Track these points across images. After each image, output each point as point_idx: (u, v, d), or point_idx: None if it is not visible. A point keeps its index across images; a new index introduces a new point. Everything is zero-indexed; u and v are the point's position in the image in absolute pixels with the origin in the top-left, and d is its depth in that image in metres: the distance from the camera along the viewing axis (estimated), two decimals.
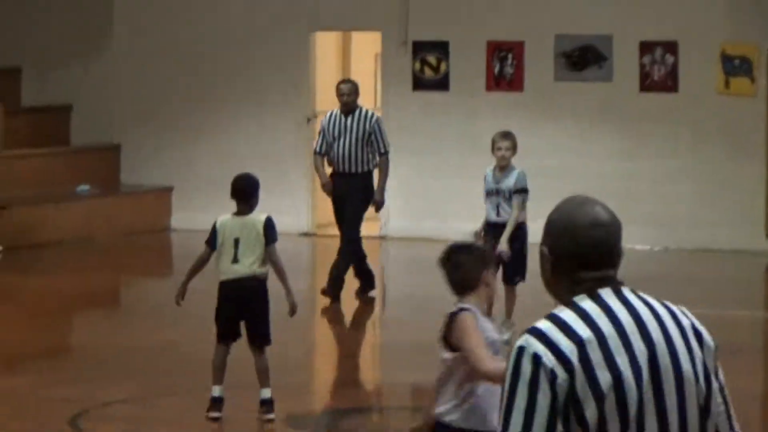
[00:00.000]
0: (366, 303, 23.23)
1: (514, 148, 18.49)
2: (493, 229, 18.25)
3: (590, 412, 4.95)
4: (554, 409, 4.97)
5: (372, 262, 25.03)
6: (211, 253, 16.69)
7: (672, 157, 28.33)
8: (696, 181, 27.81)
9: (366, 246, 23.54)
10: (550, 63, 29.15)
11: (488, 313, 11.44)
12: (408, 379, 19.85)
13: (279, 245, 23.09)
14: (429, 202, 29.35)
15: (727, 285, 24.06)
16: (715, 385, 5.15)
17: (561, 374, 4.94)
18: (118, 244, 28.71)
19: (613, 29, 28.72)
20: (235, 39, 30.62)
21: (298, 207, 30.16)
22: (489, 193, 18.65)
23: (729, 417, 5.27)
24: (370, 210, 24.01)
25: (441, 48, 29.67)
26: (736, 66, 28.12)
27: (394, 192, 29.03)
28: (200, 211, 28.49)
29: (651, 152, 28.48)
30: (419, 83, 30.01)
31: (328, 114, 22.81)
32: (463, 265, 11.28)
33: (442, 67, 29.69)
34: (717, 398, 5.19)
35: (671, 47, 28.50)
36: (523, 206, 18.68)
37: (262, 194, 18.90)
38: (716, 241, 27.40)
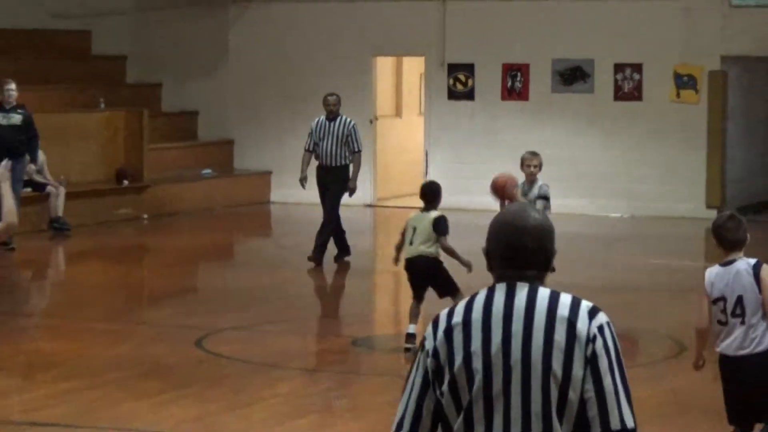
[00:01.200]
0: (344, 266, 22.37)
1: (540, 165, 17.28)
2: None
3: (447, 385, 4.89)
4: (425, 381, 4.96)
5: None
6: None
7: (637, 149, 28.25)
8: (655, 166, 27.97)
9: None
10: (548, 79, 29.16)
11: None
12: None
13: (350, 215, 23.20)
14: (461, 182, 28.63)
15: (678, 242, 24.24)
16: (577, 375, 4.88)
17: (432, 352, 4.95)
18: (231, 213, 28.74)
19: (595, 54, 28.69)
20: (318, 59, 30.23)
21: (363, 185, 29.97)
22: None
23: (604, 407, 4.87)
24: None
25: (468, 68, 29.60)
26: (684, 81, 28.25)
27: (436, 176, 29.25)
28: (292, 189, 28.49)
29: (622, 145, 28.45)
30: (452, 94, 29.86)
31: (316, 120, 22.56)
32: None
33: (469, 82, 29.62)
34: (583, 388, 4.87)
35: (637, 68, 28.52)
36: (544, 211, 17.33)
37: None
38: (670, 210, 27.37)
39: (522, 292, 4.95)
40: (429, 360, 4.98)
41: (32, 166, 24.08)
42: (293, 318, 19.26)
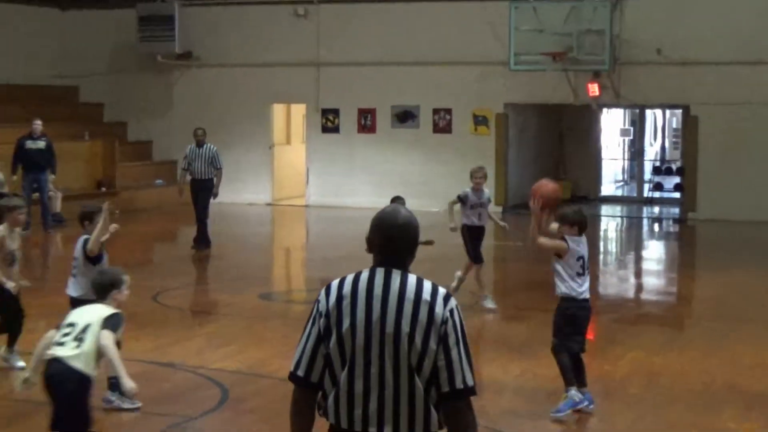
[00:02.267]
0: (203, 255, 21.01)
1: (485, 176, 15.69)
2: (477, 230, 15.21)
3: (334, 341, 4.80)
4: (318, 335, 4.83)
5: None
6: None
7: (447, 165, 27.95)
8: (458, 177, 27.44)
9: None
10: (389, 119, 29.26)
11: None
12: None
13: (256, 210, 22.30)
14: (330, 188, 29.22)
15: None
16: (432, 347, 4.76)
17: (324, 313, 4.83)
18: (176, 211, 26.42)
19: (420, 102, 28.89)
20: (233, 105, 30.14)
21: (264, 189, 31.02)
22: (473, 206, 15.20)
23: (450, 371, 4.77)
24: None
25: (335, 111, 29.67)
26: (480, 120, 28.46)
27: (313, 182, 29.83)
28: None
29: (437, 163, 28.51)
30: (325, 129, 29.91)
31: (189, 146, 21.72)
32: None
33: (336, 121, 29.69)
34: (436, 357, 4.75)
35: (448, 111, 28.76)
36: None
37: None
38: None
39: (396, 277, 4.83)
40: (321, 319, 4.82)
41: (53, 176, 24.78)
42: (218, 280, 19.15)
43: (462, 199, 15.47)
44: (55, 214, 24.84)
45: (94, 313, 7.94)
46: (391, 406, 4.77)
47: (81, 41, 31.41)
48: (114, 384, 9.62)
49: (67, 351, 7.70)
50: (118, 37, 30.95)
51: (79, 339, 7.75)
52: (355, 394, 4.78)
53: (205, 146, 21.53)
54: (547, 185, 10.31)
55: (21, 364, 11.02)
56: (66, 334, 7.81)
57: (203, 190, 21.26)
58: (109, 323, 7.76)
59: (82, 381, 7.66)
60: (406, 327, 4.76)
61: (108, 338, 7.70)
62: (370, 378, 4.78)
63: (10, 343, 11.61)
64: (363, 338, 4.78)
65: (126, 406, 9.85)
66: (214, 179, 21.38)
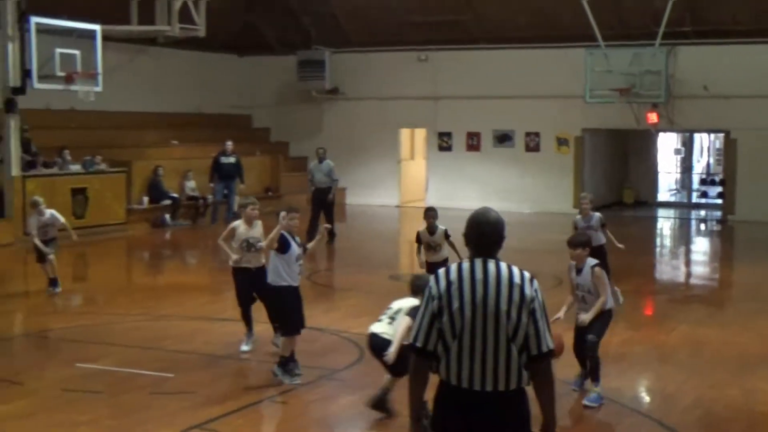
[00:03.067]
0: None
1: (590, 202, 13.95)
2: (593, 251, 10.11)
3: (446, 319, 4.78)
4: (432, 315, 4.80)
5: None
6: None
7: (536, 177, 28.06)
8: (545, 187, 27.99)
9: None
10: (491, 140, 29.05)
11: None
12: None
13: (387, 211, 22.28)
14: (447, 194, 28.63)
15: (555, 227, 22.58)
16: (524, 321, 4.76)
17: (436, 298, 4.81)
18: None
19: (515, 126, 28.62)
20: (371, 129, 30.21)
21: (393, 193, 30.85)
22: (583, 230, 12.55)
23: (537, 338, 4.79)
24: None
25: (449, 134, 29.55)
26: (562, 142, 28.07)
27: (432, 189, 29.95)
28: (356, 197, 28.86)
29: (529, 175, 28.26)
30: (441, 148, 29.79)
31: (312, 162, 21.82)
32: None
33: (449, 142, 29.59)
34: (527, 328, 4.76)
35: (537, 134, 28.47)
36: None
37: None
38: (552, 208, 27.32)
39: (491, 265, 4.84)
40: (434, 301, 4.80)
41: (242, 186, 24.94)
42: (356, 264, 18.87)
43: (575, 225, 13.88)
44: (235, 213, 25.10)
45: (407, 303, 8.44)
46: (491, 367, 4.78)
47: (254, 80, 31.82)
48: (282, 362, 9.63)
49: (381, 327, 8.55)
50: (282, 77, 31.14)
51: (392, 318, 8.56)
52: (462, 358, 4.78)
53: (324, 162, 21.33)
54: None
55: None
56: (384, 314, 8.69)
57: (322, 196, 20.99)
58: (413, 312, 7.87)
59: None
60: (503, 305, 4.76)
61: (405, 322, 8.14)
62: (475, 346, 4.78)
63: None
64: (470, 315, 4.77)
65: (287, 381, 9.56)
66: (332, 188, 21.11)
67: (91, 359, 10.49)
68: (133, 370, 10.08)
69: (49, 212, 14.91)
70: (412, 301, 8.35)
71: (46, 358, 11.03)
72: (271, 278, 9.70)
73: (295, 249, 9.71)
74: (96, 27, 21.17)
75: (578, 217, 14.15)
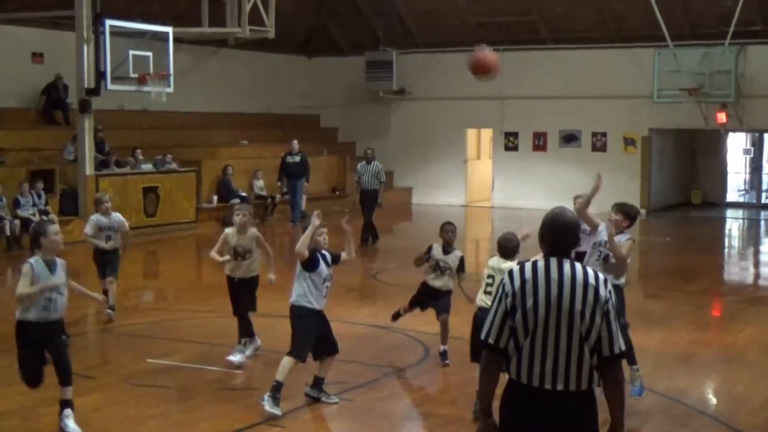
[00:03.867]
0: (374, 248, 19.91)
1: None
2: None
3: (519, 316, 4.74)
4: (505, 313, 4.77)
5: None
6: None
7: (604, 177, 27.31)
8: (611, 187, 27.69)
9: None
10: (557, 140, 29.03)
11: None
12: None
13: (453, 210, 22.38)
14: (512, 193, 28.90)
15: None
16: (597, 321, 4.73)
17: (510, 295, 4.77)
18: (393, 209, 26.88)
19: (581, 127, 28.60)
20: (437, 129, 30.30)
21: (459, 193, 30.74)
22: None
23: (610, 339, 4.75)
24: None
25: (515, 134, 29.54)
26: (629, 141, 28.05)
27: (498, 188, 29.83)
28: (421, 197, 28.89)
29: (594, 174, 28.17)
30: (507, 148, 29.83)
31: (360, 163, 21.23)
32: None
33: (515, 141, 29.59)
34: (600, 329, 4.74)
35: (604, 134, 28.41)
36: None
37: None
38: None
39: (566, 265, 4.80)
40: (508, 299, 4.77)
41: (306, 184, 25.03)
42: None
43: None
44: (302, 212, 25.25)
45: (504, 265, 8.44)
46: (563, 366, 4.74)
47: (322, 81, 31.99)
48: (316, 382, 8.99)
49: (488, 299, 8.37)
50: (350, 77, 31.28)
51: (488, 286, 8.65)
52: (534, 357, 4.75)
53: (372, 163, 20.94)
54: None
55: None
56: (488, 285, 8.63)
57: (369, 198, 20.70)
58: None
59: None
60: (578, 305, 4.73)
61: None
62: (547, 345, 4.75)
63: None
64: (543, 313, 4.75)
65: (267, 408, 8.52)
66: (379, 190, 20.76)
67: (161, 355, 10.58)
68: (201, 366, 10.12)
69: (116, 215, 12.83)
70: (506, 264, 8.35)
71: (117, 353, 11.12)
72: (295, 298, 8.80)
73: (324, 269, 8.77)
74: (168, 29, 21.35)
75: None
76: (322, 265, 8.75)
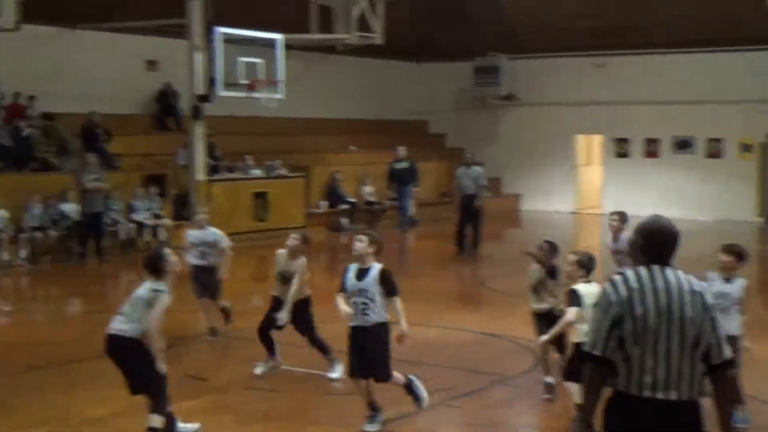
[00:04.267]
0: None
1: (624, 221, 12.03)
2: None
3: (629, 326, 4.63)
4: (612, 323, 4.65)
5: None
6: None
7: (717, 184, 27.32)
8: (728, 192, 27.27)
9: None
10: (670, 146, 28.46)
11: None
12: None
13: (561, 217, 21.98)
14: (623, 199, 28.25)
15: (737, 236, 22.34)
16: (707, 329, 4.67)
17: (616, 304, 4.65)
18: (500, 216, 26.96)
19: (695, 133, 28.00)
20: (545, 135, 29.99)
21: (568, 200, 30.45)
22: None
23: (719, 347, 4.69)
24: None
25: (626, 141, 29.15)
26: (745, 148, 27.33)
27: (610, 194, 29.43)
28: (529, 204, 28.61)
29: (709, 182, 27.57)
30: (618, 154, 29.42)
31: (460, 167, 20.81)
32: None
33: (627, 148, 29.13)
34: (709, 337, 4.67)
35: (719, 141, 27.77)
36: None
37: None
38: (734, 216, 26.54)
39: (670, 273, 4.74)
40: (615, 309, 4.65)
41: (416, 189, 25.03)
42: None
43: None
44: (411, 217, 25.28)
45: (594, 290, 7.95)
46: (676, 375, 4.65)
47: (431, 87, 32.01)
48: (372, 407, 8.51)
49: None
50: (458, 83, 31.27)
51: None
52: (645, 366, 4.64)
53: (472, 167, 20.67)
54: None
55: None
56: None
57: (469, 203, 20.32)
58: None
59: None
60: (689, 312, 4.65)
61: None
62: (658, 353, 4.64)
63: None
64: (654, 322, 4.64)
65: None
66: (478, 194, 20.36)
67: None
68: (310, 370, 10.17)
69: (213, 230, 12.01)
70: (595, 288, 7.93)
71: (228, 356, 11.26)
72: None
73: (352, 285, 8.28)
74: (278, 36, 21.56)
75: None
76: (351, 281, 8.30)
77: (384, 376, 8.30)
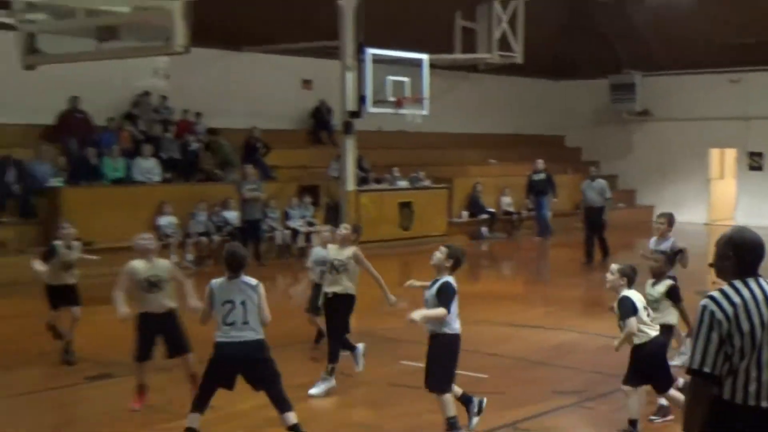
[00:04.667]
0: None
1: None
2: None
3: (738, 341, 4.46)
4: (720, 341, 4.46)
5: None
6: None
7: None
8: None
9: None
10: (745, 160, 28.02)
11: None
12: None
13: (696, 228, 21.49)
14: (757, 210, 27.34)
15: None
16: None
17: (724, 321, 4.47)
18: (630, 225, 26.39)
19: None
20: (679, 148, 29.42)
21: (701, 212, 29.79)
22: None
23: None
24: None
25: (759, 154, 28.47)
26: None
27: (742, 208, 28.68)
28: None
29: None
30: (751, 167, 28.75)
31: (585, 181, 20.62)
32: None
33: (761, 161, 28.44)
34: None
35: None
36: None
37: None
38: None
39: (763, 283, 4.57)
40: (722, 326, 4.46)
41: (554, 199, 24.88)
42: None
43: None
44: (548, 227, 25.09)
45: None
46: None
47: (567, 103, 31.81)
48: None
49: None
50: (594, 100, 31.02)
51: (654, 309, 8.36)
52: (750, 376, 4.49)
53: (596, 180, 20.42)
54: None
55: None
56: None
57: (594, 215, 20.00)
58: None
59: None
60: None
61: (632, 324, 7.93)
62: (762, 363, 4.49)
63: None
64: (759, 335, 4.47)
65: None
66: (605, 207, 20.05)
67: (413, 357, 10.69)
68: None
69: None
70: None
71: (374, 354, 11.37)
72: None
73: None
74: (424, 56, 21.75)
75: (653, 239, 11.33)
76: (426, 291, 7.91)
77: (430, 387, 7.94)
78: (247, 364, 7.28)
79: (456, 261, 7.82)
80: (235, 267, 7.58)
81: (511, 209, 26.00)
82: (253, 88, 23.33)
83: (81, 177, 18.98)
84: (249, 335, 7.24)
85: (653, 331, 8.03)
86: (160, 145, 20.69)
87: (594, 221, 20.08)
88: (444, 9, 25.14)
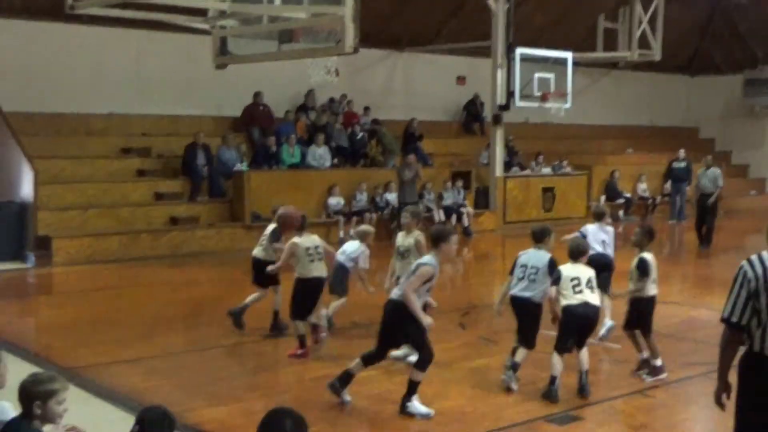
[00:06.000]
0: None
1: None
2: None
3: (762, 300, 4.54)
4: (748, 296, 4.57)
5: None
6: None
7: None
8: None
9: None
10: None
11: None
12: None
13: None
14: None
15: None
16: None
17: (753, 280, 4.56)
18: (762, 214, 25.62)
19: None
20: None
21: None
22: None
23: None
24: None
25: None
26: None
27: None
28: None
29: None
30: None
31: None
32: None
33: None
34: None
35: None
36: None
37: None
38: None
39: None
40: (752, 284, 4.56)
41: (688, 187, 23.55)
42: None
43: None
44: (682, 212, 24.26)
45: (590, 271, 7.99)
46: None
47: (702, 97, 30.90)
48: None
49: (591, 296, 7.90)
50: (728, 94, 30.01)
51: (590, 287, 7.91)
52: None
53: (710, 169, 19.18)
54: None
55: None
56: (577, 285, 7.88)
57: (705, 201, 18.90)
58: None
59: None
60: None
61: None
62: None
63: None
64: None
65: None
66: (715, 194, 18.81)
67: (553, 327, 10.56)
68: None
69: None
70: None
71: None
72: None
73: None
74: (568, 55, 21.67)
75: None
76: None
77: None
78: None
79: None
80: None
81: (646, 195, 25.47)
82: (413, 84, 23.82)
83: (262, 162, 19.48)
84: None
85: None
86: (330, 134, 21.06)
87: (703, 207, 19.18)
88: (588, 11, 24.78)
